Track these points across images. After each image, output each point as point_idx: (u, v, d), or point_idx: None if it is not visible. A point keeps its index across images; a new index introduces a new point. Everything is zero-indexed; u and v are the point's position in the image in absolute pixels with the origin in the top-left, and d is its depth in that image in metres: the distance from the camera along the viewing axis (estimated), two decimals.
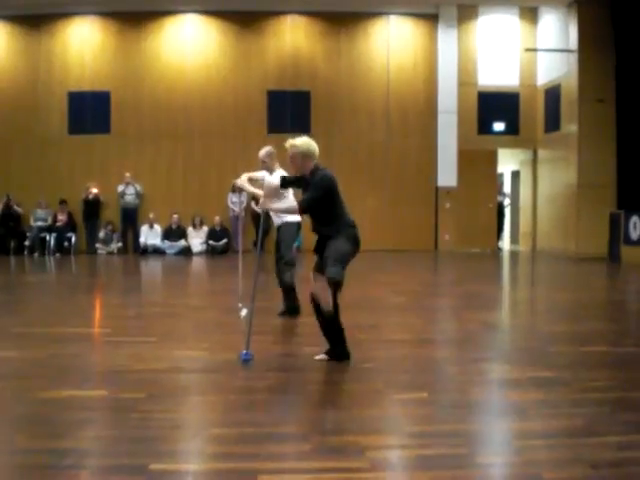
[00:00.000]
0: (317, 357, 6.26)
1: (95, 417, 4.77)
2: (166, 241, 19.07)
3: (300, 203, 6.08)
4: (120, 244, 19.25)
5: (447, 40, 19.79)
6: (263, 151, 8.46)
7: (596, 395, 5.22)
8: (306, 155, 6.10)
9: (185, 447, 4.31)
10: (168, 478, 3.78)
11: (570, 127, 17.81)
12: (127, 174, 19.17)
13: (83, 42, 19.56)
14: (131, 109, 19.62)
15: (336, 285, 5.94)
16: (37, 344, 7.03)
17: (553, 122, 18.95)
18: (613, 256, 16.59)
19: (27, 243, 18.71)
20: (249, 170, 8.60)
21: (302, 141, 6.14)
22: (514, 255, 19.61)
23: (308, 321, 8.12)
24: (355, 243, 6.08)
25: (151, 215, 19.12)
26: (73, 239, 19.07)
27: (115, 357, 6.48)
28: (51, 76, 19.56)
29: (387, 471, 3.94)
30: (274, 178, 8.26)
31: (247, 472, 3.80)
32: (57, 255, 18.49)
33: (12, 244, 18.73)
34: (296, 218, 8.42)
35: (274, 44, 19.75)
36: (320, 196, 6.00)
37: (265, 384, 5.61)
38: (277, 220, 8.58)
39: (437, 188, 19.91)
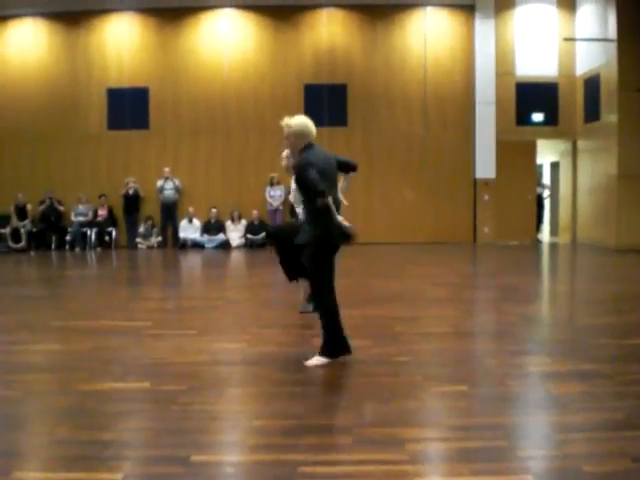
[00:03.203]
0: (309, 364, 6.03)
1: (136, 409, 4.83)
2: (205, 235, 19.19)
3: (313, 191, 5.74)
4: (160, 238, 19.40)
5: (484, 30, 19.63)
6: (285, 151, 8.25)
7: (638, 388, 5.17)
8: (298, 135, 6.05)
9: (226, 438, 4.36)
10: (209, 469, 3.83)
11: (610, 117, 17.57)
12: (166, 169, 19.31)
13: (121, 39, 19.73)
14: (169, 105, 19.75)
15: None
16: (79, 337, 7.13)
17: (592, 112, 18.72)
18: None
19: (68, 238, 18.95)
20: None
21: (296, 121, 6.10)
22: (554, 247, 19.42)
23: (349, 314, 8.15)
24: (331, 239, 5.96)
25: (190, 209, 19.25)
26: (114, 234, 19.29)
27: (156, 350, 6.56)
28: (90, 73, 19.76)
29: (427, 463, 3.94)
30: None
31: (288, 463, 3.83)
32: (98, 250, 18.71)
33: (54, 239, 18.99)
34: None
35: (310, 38, 19.74)
36: (311, 176, 5.78)
37: (305, 376, 5.64)
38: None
39: (475, 180, 19.78)
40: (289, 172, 8.19)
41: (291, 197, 8.59)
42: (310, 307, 8.58)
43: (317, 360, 5.97)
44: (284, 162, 8.43)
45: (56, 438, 4.25)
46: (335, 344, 6.01)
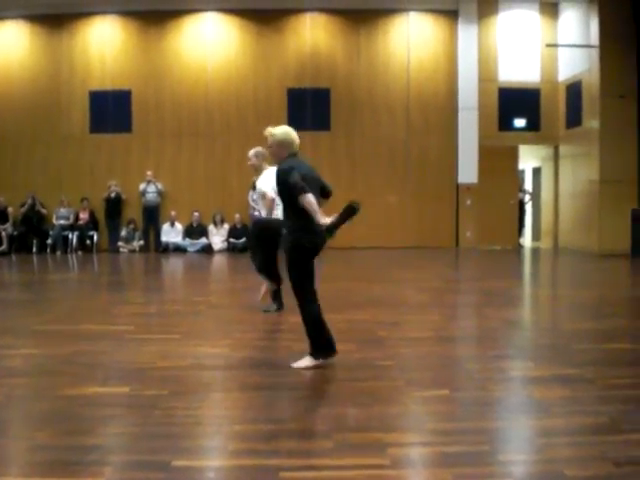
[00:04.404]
0: (295, 365, 6.07)
1: (118, 414, 4.80)
2: (187, 239, 19.16)
3: (295, 189, 5.74)
4: (142, 242, 19.34)
5: (467, 36, 19.72)
6: (252, 151, 9.00)
7: (620, 392, 5.19)
8: (281, 144, 6.11)
9: (207, 443, 4.34)
10: (190, 474, 3.81)
11: (592, 123, 17.69)
12: (148, 172, 19.25)
13: (104, 41, 19.67)
14: (152, 108, 19.71)
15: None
16: (60, 341, 7.09)
17: (574, 118, 18.84)
18: (636, 252, 16.46)
19: (49, 241, 18.86)
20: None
21: (280, 130, 6.18)
22: (536, 252, 19.52)
23: (332, 318, 8.15)
24: (309, 243, 5.98)
25: (172, 213, 19.22)
26: (95, 237, 19.21)
27: (138, 354, 6.53)
28: (72, 75, 19.68)
29: (409, 468, 3.94)
30: (259, 182, 8.77)
31: (269, 468, 3.81)
32: (79, 253, 18.63)
33: (35, 242, 18.89)
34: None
35: (294, 42, 19.75)
36: (294, 176, 5.80)
37: (287, 381, 5.62)
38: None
39: (458, 185, 19.84)
40: (257, 172, 8.88)
41: (253, 197, 9.09)
42: (273, 306, 8.87)
43: (306, 361, 6.03)
44: (251, 161, 8.94)
45: (37, 443, 4.21)
46: (322, 346, 6.05)
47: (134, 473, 3.79)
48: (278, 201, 8.68)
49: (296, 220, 5.92)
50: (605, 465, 3.81)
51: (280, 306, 8.90)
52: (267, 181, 8.57)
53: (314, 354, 6.04)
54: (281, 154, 6.12)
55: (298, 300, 6.09)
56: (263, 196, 8.65)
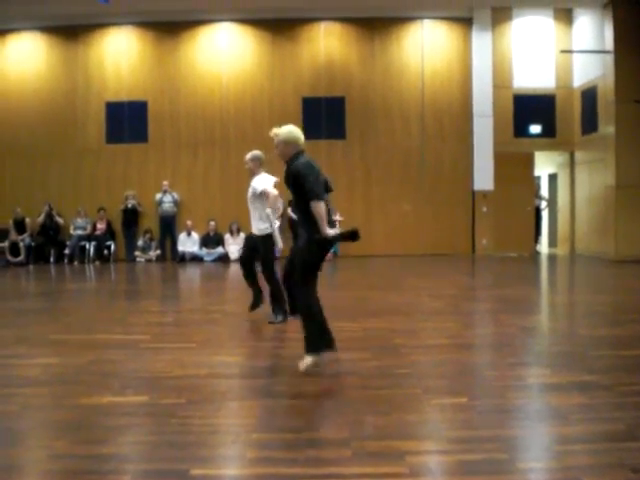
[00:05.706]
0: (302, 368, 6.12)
1: (136, 423, 4.82)
2: (204, 248, 19.20)
3: (310, 194, 5.87)
4: (158, 252, 19.41)
5: (481, 43, 19.70)
6: (249, 154, 9.17)
7: (637, 399, 5.16)
8: (287, 142, 6.16)
9: (225, 452, 4.34)
10: None
11: (607, 128, 17.63)
12: (164, 182, 19.34)
13: (120, 53, 19.80)
14: (168, 118, 19.80)
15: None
16: (77, 351, 7.12)
17: (590, 124, 18.78)
18: None
19: (67, 252, 18.96)
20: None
21: (284, 130, 6.22)
22: (552, 258, 19.43)
23: (348, 327, 8.15)
24: (322, 247, 6.08)
25: (189, 223, 19.27)
26: (112, 247, 19.30)
27: (155, 363, 6.54)
28: (89, 86, 19.81)
29: (427, 476, 3.93)
30: (255, 183, 8.96)
31: (287, 477, 3.82)
32: (96, 263, 18.71)
33: (52, 253, 19.00)
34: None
35: (308, 51, 19.80)
36: (311, 180, 5.95)
37: (304, 389, 5.62)
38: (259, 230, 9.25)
39: (474, 192, 19.80)
40: (253, 175, 9.11)
41: (250, 196, 9.07)
42: (279, 317, 8.72)
43: (308, 360, 6.02)
44: (247, 165, 9.20)
45: (55, 452, 4.24)
46: (320, 339, 6.03)
47: None
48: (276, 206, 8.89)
49: (312, 220, 5.98)
50: (623, 472, 3.79)
51: (284, 317, 8.82)
52: (262, 182, 8.70)
53: (314, 349, 6.02)
54: (288, 153, 6.16)
55: (301, 294, 6.10)
56: (261, 195, 8.72)
